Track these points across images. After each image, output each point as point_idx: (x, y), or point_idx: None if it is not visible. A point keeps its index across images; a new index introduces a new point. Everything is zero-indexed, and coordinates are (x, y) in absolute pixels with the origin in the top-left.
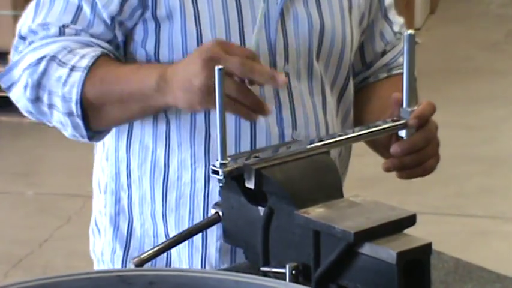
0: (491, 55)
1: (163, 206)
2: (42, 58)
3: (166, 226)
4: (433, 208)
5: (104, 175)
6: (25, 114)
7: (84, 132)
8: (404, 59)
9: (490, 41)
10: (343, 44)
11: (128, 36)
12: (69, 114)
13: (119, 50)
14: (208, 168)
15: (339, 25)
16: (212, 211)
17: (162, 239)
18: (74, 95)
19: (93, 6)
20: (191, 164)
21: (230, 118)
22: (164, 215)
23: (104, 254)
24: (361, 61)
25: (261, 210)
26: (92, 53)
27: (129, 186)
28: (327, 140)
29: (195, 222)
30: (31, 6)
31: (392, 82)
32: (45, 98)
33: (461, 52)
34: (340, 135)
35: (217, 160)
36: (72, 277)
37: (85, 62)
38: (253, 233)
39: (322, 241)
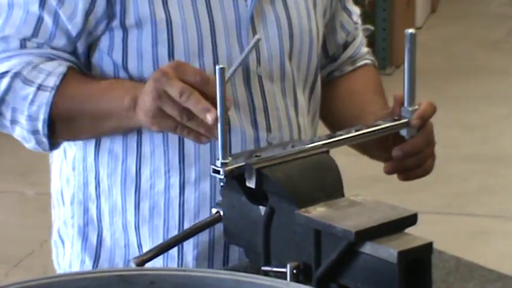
0: (492, 54)
1: (135, 216)
2: (5, 73)
3: (139, 236)
4: (433, 207)
5: (70, 185)
6: None
7: (47, 147)
8: (405, 58)
9: (491, 39)
10: (310, 41)
11: (92, 45)
12: (34, 132)
13: (80, 59)
14: (184, 175)
15: (306, 23)
16: (213, 210)
17: (134, 249)
18: (42, 114)
19: (56, 18)
20: (165, 172)
21: None
22: (137, 225)
23: (72, 266)
24: (324, 54)
25: (262, 209)
26: (58, 68)
27: (98, 196)
28: (327, 139)
29: (170, 232)
30: None
31: (358, 74)
32: (7, 113)
33: (462, 51)
34: (341, 135)
35: (218, 159)
36: (72, 277)
37: (52, 81)
38: (254, 232)
39: (323, 240)
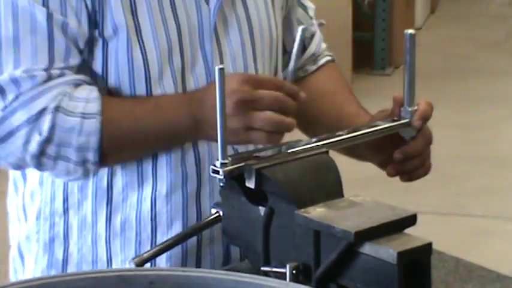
0: (491, 55)
1: (106, 230)
2: (42, 111)
3: (110, 250)
4: (433, 208)
5: (35, 200)
6: (8, 167)
7: (91, 175)
8: (405, 59)
9: (490, 40)
10: (271, 40)
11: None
12: (83, 162)
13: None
14: (156, 188)
15: (265, 21)
16: (213, 211)
17: (102, 263)
18: (92, 143)
19: (66, 32)
20: (138, 185)
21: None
22: (108, 239)
23: None
24: (283, 52)
25: (262, 210)
26: (91, 94)
27: (66, 211)
28: (327, 139)
29: (142, 245)
30: None
31: (324, 74)
32: (52, 151)
33: (461, 52)
34: (341, 135)
35: (218, 160)
36: (72, 277)
37: (94, 107)
38: (254, 232)
39: (323, 241)
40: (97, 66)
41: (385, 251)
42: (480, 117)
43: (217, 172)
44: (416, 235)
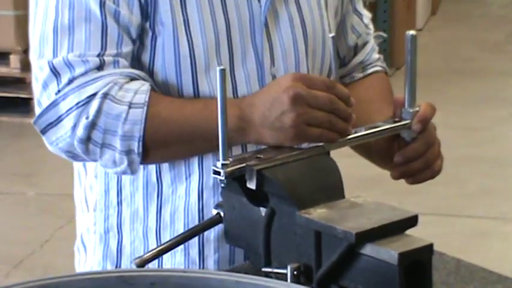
0: (492, 56)
1: (157, 221)
2: (92, 96)
3: (160, 242)
4: (434, 209)
5: (93, 192)
6: (61, 155)
7: (137, 168)
8: (406, 60)
9: (491, 41)
10: (323, 42)
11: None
12: (128, 152)
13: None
14: (203, 180)
15: (319, 23)
16: (213, 212)
17: None
18: (137, 132)
19: (118, 21)
20: (186, 177)
21: None
22: (158, 231)
23: None
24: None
25: (263, 210)
26: (143, 87)
27: (119, 203)
28: None
29: None
30: (45, 34)
31: (368, 82)
32: (98, 137)
33: (462, 53)
34: None
35: (219, 161)
36: (73, 277)
37: (142, 98)
38: (255, 233)
39: (324, 242)
40: (146, 57)
41: (386, 252)
42: (481, 118)
43: (218, 173)
44: (417, 236)
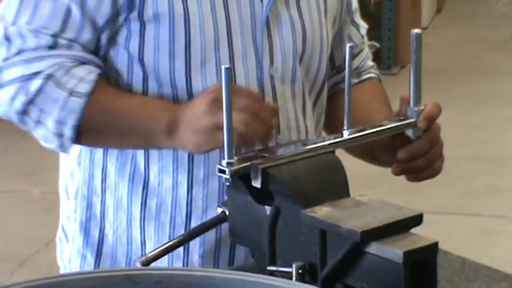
0: (497, 54)
1: (141, 212)
2: (36, 74)
3: (144, 233)
4: (438, 207)
5: (74, 180)
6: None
7: (68, 149)
8: (411, 58)
9: (496, 40)
10: (321, 48)
11: (111, 38)
12: (59, 135)
13: (99, 55)
14: (192, 173)
15: (317, 29)
16: (219, 210)
17: (137, 246)
18: (71, 120)
19: (83, 7)
20: (173, 170)
21: None
22: (142, 222)
23: (71, 261)
24: (330, 65)
25: (268, 209)
26: (89, 75)
27: (103, 191)
28: (333, 139)
29: (176, 229)
30: None
31: (364, 86)
32: (34, 114)
33: (467, 51)
34: (347, 134)
35: (224, 159)
36: (78, 276)
37: (84, 88)
38: (260, 232)
39: (329, 240)
40: (134, 43)
41: (391, 250)
42: (485, 116)
43: (223, 171)
44: (422, 235)
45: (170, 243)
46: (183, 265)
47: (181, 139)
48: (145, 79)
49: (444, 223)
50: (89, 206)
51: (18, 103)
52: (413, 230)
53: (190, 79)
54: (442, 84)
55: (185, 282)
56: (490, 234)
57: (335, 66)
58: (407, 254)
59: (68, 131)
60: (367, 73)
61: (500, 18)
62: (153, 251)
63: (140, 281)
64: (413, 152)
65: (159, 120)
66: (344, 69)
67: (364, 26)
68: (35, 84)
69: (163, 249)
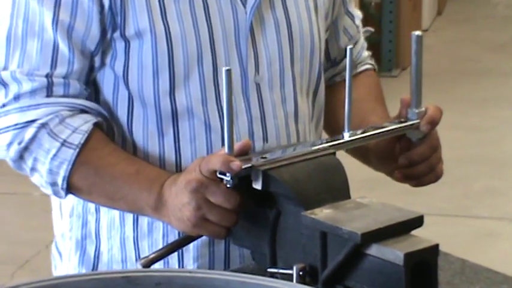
0: (498, 56)
1: (134, 231)
2: (31, 122)
3: (138, 251)
4: (439, 209)
5: (68, 198)
6: None
7: (62, 197)
8: (412, 60)
9: (497, 42)
10: (312, 46)
11: (101, 60)
12: (53, 184)
13: (91, 77)
14: None
15: (307, 27)
16: None
17: (132, 263)
18: (63, 171)
19: (70, 39)
20: None
21: (200, 134)
22: (136, 240)
23: None
24: (326, 58)
25: (268, 211)
26: (83, 126)
27: (97, 210)
28: (334, 141)
29: None
30: None
31: (359, 80)
32: (29, 161)
33: (468, 53)
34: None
35: None
36: (78, 278)
37: (77, 139)
38: (260, 234)
39: (329, 242)
40: (119, 65)
41: (392, 252)
42: (486, 118)
43: (224, 173)
44: (422, 237)
45: (172, 244)
46: (178, 265)
47: (167, 219)
48: (130, 101)
49: (445, 225)
50: (84, 224)
51: (14, 150)
52: (414, 232)
53: (174, 98)
54: (442, 86)
55: (186, 284)
56: (490, 236)
57: (330, 59)
58: (408, 256)
59: (60, 181)
60: (363, 64)
61: (501, 21)
62: (154, 252)
63: (140, 283)
64: (415, 158)
65: (148, 194)
66: (340, 62)
67: (358, 16)
68: (29, 132)
69: (164, 251)
